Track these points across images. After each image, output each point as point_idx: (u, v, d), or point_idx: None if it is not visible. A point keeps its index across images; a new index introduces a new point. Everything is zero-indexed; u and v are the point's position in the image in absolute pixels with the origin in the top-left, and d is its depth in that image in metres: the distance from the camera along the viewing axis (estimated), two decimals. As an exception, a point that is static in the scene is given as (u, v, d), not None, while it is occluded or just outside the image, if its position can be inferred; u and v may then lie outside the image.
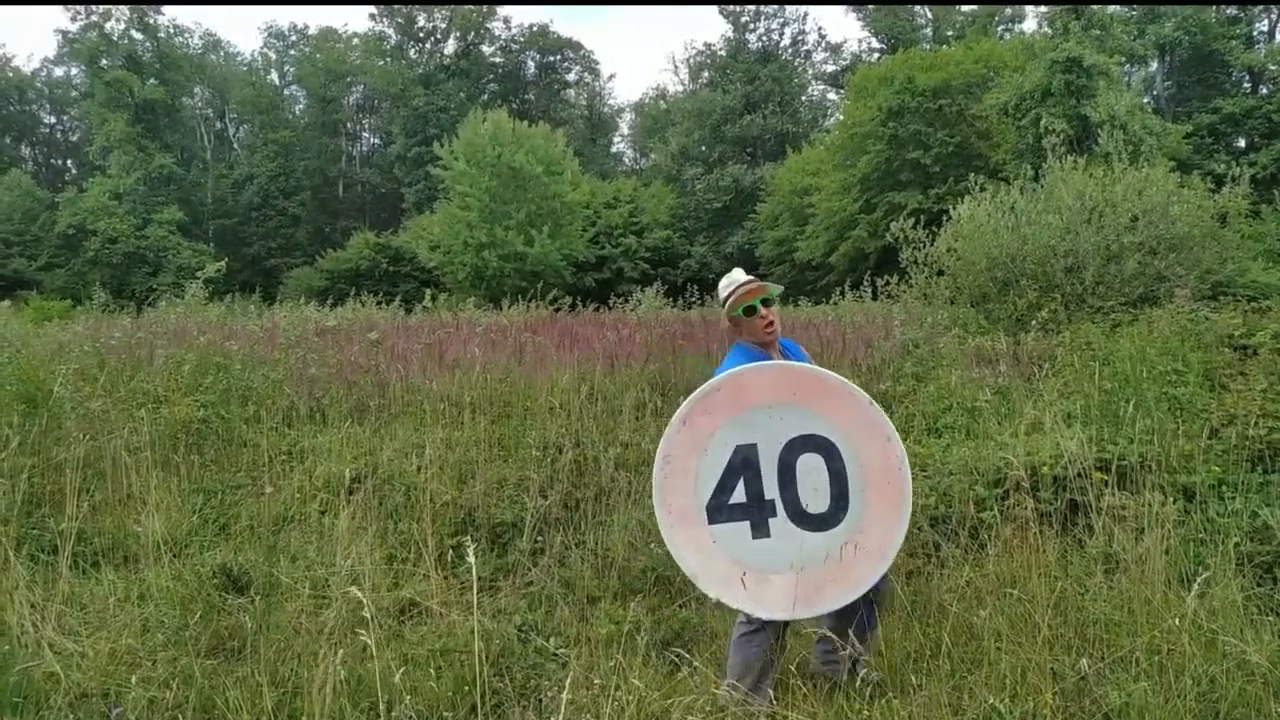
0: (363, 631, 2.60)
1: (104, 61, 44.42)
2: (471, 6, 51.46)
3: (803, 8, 49.16)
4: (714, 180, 41.43)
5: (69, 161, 58.21)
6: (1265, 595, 3.36)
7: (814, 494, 2.87)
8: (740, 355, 3.18)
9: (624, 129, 63.82)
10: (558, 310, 14.60)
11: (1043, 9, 29.69)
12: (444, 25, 52.49)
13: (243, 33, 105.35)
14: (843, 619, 3.03)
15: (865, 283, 14.23)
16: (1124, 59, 26.17)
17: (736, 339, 3.29)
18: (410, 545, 4.37)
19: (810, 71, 50.60)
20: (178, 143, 47.32)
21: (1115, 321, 7.67)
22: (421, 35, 52.83)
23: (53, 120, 58.65)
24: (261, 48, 59.40)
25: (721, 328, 3.37)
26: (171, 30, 50.18)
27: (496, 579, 4.29)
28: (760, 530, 2.88)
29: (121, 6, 44.79)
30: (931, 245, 10.65)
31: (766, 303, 3.19)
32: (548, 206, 33.34)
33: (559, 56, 57.10)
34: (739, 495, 2.89)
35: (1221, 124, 30.12)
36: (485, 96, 51.47)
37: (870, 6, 45.31)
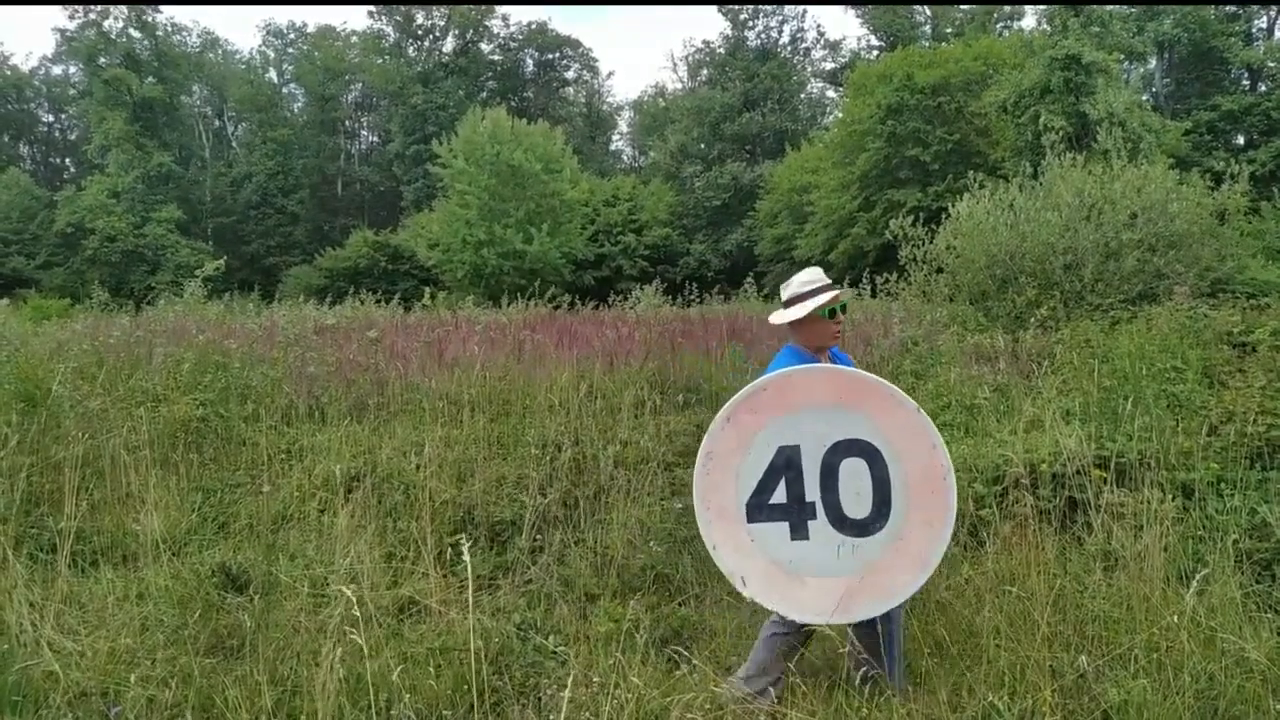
0: (354, 631, 2.61)
1: (102, 60, 44.39)
2: (470, 5, 51.40)
3: (801, 6, 48.89)
4: (713, 178, 41.42)
5: (67, 160, 58.13)
6: (1264, 592, 3.36)
7: (856, 498, 2.85)
8: (790, 357, 3.19)
9: (623, 127, 63.87)
10: (557, 308, 14.60)
11: (1041, 6, 29.62)
12: (442, 23, 52.43)
13: (241, 31, 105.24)
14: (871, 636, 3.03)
15: (864, 280, 14.23)
16: (1123, 56, 26.14)
17: (789, 340, 3.29)
18: (409, 543, 4.37)
19: (809, 69, 50.59)
20: (176, 141, 47.28)
21: (1114, 319, 7.68)
22: (420, 33, 52.76)
23: (51, 118, 58.58)
24: (260, 46, 59.31)
25: (774, 322, 3.35)
26: (169, 28, 50.17)
27: (495, 577, 4.29)
28: (799, 532, 2.86)
29: (120, 5, 44.74)
30: (930, 243, 10.65)
31: (843, 309, 3.23)
32: (547, 204, 33.32)
33: (558, 54, 57.05)
34: (779, 496, 2.87)
35: (1220, 121, 30.10)
36: (484, 94, 51.42)
37: (869, 4, 45.27)
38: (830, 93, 50.81)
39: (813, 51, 50.63)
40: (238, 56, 58.45)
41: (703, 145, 45.01)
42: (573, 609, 3.90)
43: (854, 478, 2.84)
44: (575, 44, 57.22)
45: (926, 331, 8.43)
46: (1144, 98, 28.75)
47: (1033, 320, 8.03)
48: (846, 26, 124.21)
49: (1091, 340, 6.82)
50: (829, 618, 2.84)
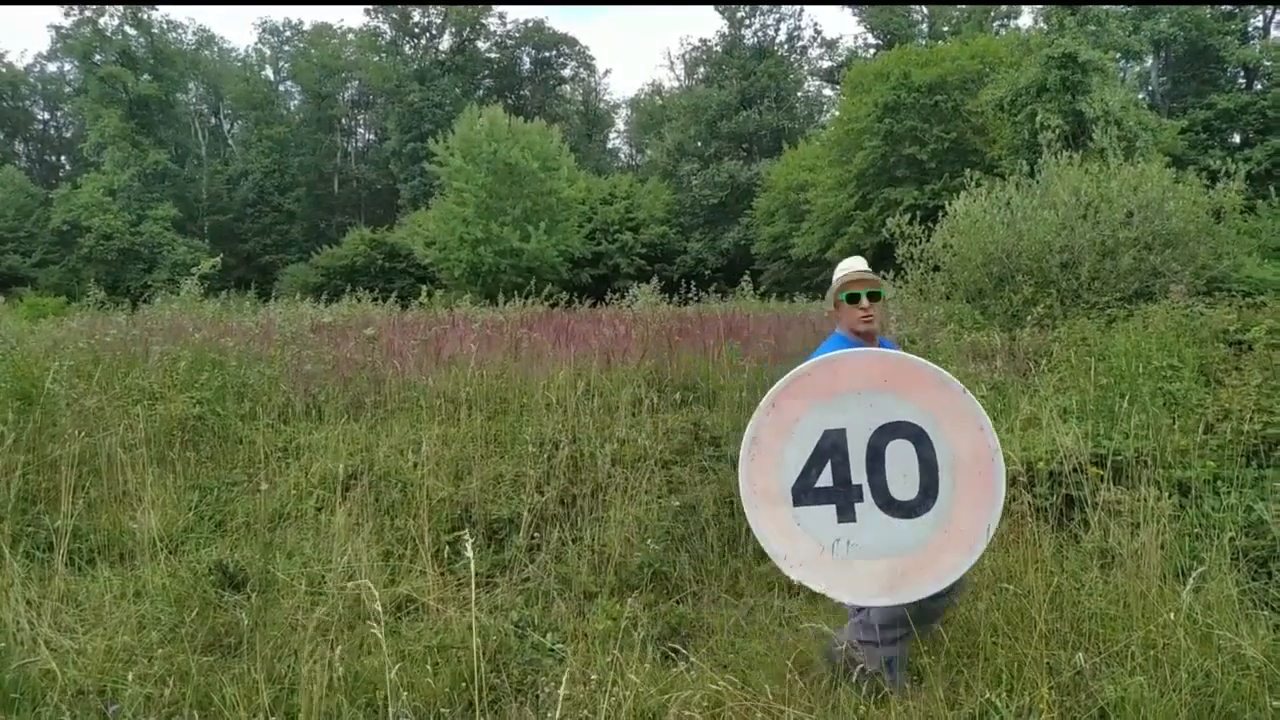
0: (370, 624, 2.60)
1: (97, 57, 44.26)
2: (467, 3, 51.32)
3: (798, 5, 48.83)
4: (710, 176, 41.42)
5: (63, 158, 57.95)
6: (1260, 590, 3.37)
7: (902, 481, 2.85)
8: (836, 342, 3.23)
9: (620, 125, 63.88)
10: (554, 306, 14.58)
11: (1038, 5, 29.62)
12: (439, 21, 52.36)
13: (236, 29, 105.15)
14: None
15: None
16: (1119, 54, 26.21)
17: (836, 326, 3.34)
18: (407, 542, 4.36)
19: (806, 67, 50.63)
20: (172, 139, 47.20)
21: (1111, 317, 7.69)
22: (416, 31, 52.69)
23: (46, 116, 58.38)
24: (256, 43, 59.38)
25: (824, 311, 3.39)
26: (165, 26, 50.02)
27: (493, 575, 4.29)
28: (846, 515, 2.86)
29: (115, 4, 44.57)
30: (927, 241, 10.67)
31: (872, 296, 3.23)
32: (544, 202, 33.30)
33: (554, 52, 57.02)
34: (825, 479, 2.87)
35: (1216, 119, 30.17)
36: (480, 92, 51.39)
37: (866, 3, 45.27)
38: (827, 91, 50.95)
39: (809, 50, 50.75)
40: (233, 54, 58.35)
41: (700, 143, 45.03)
42: (570, 607, 3.90)
43: (900, 460, 2.84)
44: (572, 42, 57.29)
45: (923, 330, 8.44)
46: (1140, 96, 28.82)
47: (1029, 318, 8.04)
48: (843, 25, 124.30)
49: (1088, 338, 6.83)
50: (877, 599, 2.84)
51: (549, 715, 2.85)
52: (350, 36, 56.38)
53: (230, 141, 55.95)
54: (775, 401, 2.91)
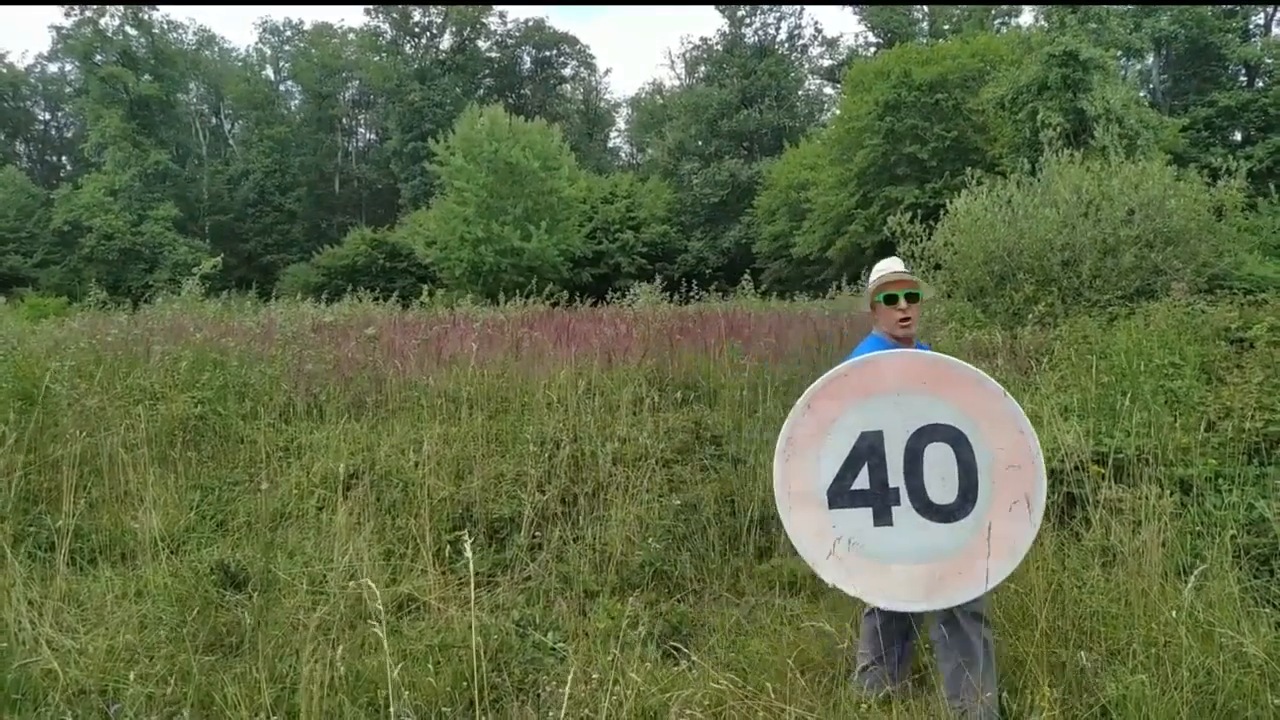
0: (371, 623, 2.60)
1: (98, 58, 44.24)
2: (467, 3, 51.30)
3: (798, 5, 48.80)
4: (711, 175, 41.39)
5: (64, 158, 57.97)
6: (1261, 587, 3.37)
7: (941, 484, 2.80)
8: (874, 344, 3.18)
9: (620, 124, 63.79)
10: (555, 305, 14.59)
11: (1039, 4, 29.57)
12: (439, 20, 52.34)
13: (237, 29, 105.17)
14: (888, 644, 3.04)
15: (862, 277, 14.23)
16: (1120, 52, 26.14)
17: (874, 327, 3.29)
18: (408, 541, 4.37)
19: (806, 66, 50.57)
20: (173, 139, 47.18)
21: (1112, 315, 7.69)
22: (417, 30, 52.67)
23: (47, 116, 58.41)
24: (256, 43, 59.30)
25: (862, 310, 3.36)
26: (165, 26, 50.01)
27: (494, 574, 4.29)
28: (883, 518, 2.82)
29: (116, 4, 44.58)
30: (928, 239, 10.66)
31: (911, 298, 3.16)
32: (544, 202, 33.28)
33: (555, 51, 56.98)
34: (862, 481, 2.84)
35: (1218, 117, 30.11)
36: (481, 91, 51.38)
37: (866, 2, 45.21)
38: (828, 89, 50.87)
39: (810, 48, 50.68)
40: (234, 54, 58.35)
41: (700, 142, 44.99)
42: (572, 606, 3.90)
43: (939, 463, 2.80)
44: (573, 41, 57.22)
45: (924, 328, 8.43)
46: (1141, 94, 28.74)
47: (1030, 316, 8.04)
48: (844, 23, 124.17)
49: (1089, 336, 6.83)
50: (914, 605, 2.81)
51: (551, 714, 2.85)
52: (351, 36, 56.42)
53: (231, 141, 55.95)
54: (811, 403, 2.88)
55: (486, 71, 54.40)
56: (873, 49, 44.85)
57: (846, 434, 2.85)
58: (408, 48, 52.73)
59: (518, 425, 5.94)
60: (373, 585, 2.59)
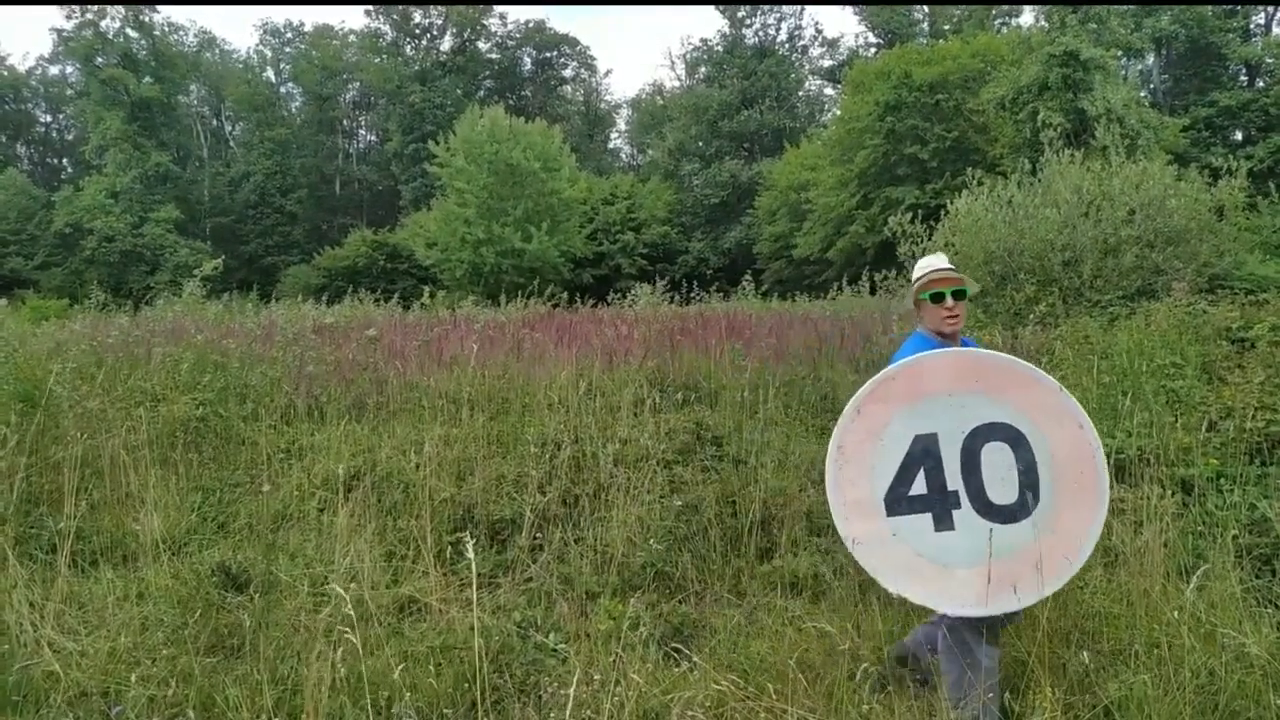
0: (350, 630, 2.60)
1: (99, 60, 44.27)
2: (467, 4, 51.35)
3: (799, 5, 48.83)
4: (711, 176, 41.43)
5: (65, 160, 58.03)
6: (1264, 587, 3.37)
7: (1001, 484, 2.73)
8: (918, 342, 3.11)
9: (621, 125, 63.85)
10: (555, 306, 14.59)
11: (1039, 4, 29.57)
12: (440, 22, 52.39)
13: (238, 30, 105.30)
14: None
15: (863, 278, 14.24)
16: (1121, 52, 26.12)
17: (917, 325, 3.22)
18: (409, 542, 4.37)
19: (807, 66, 50.60)
20: (174, 141, 47.22)
21: (1113, 315, 7.68)
22: (417, 32, 52.72)
23: (48, 119, 58.48)
24: (257, 45, 59.45)
25: (905, 308, 3.29)
26: (166, 28, 50.07)
27: (496, 575, 4.29)
28: (943, 523, 2.74)
29: (116, 6, 44.63)
30: (929, 240, 10.65)
31: (958, 295, 3.09)
32: (545, 203, 33.30)
33: (555, 52, 57.03)
34: (919, 486, 2.76)
35: (1218, 117, 30.10)
36: (481, 93, 51.42)
37: (867, 3, 45.23)
38: (828, 90, 50.92)
39: (810, 49, 50.74)
40: (235, 56, 58.45)
41: (701, 143, 45.01)
42: (573, 607, 3.90)
43: (997, 463, 2.73)
44: (573, 42, 57.28)
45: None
46: (1142, 94, 28.73)
47: (1031, 317, 8.03)
48: (844, 24, 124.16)
49: (1090, 336, 6.82)
50: (982, 608, 2.72)
51: (552, 715, 2.85)
52: (351, 38, 56.47)
53: (232, 143, 56.00)
54: (860, 407, 2.80)
55: (487, 73, 54.44)
56: (873, 49, 44.89)
57: (899, 438, 2.77)
58: (408, 49, 52.78)
59: (519, 426, 5.94)
60: (365, 590, 2.59)
